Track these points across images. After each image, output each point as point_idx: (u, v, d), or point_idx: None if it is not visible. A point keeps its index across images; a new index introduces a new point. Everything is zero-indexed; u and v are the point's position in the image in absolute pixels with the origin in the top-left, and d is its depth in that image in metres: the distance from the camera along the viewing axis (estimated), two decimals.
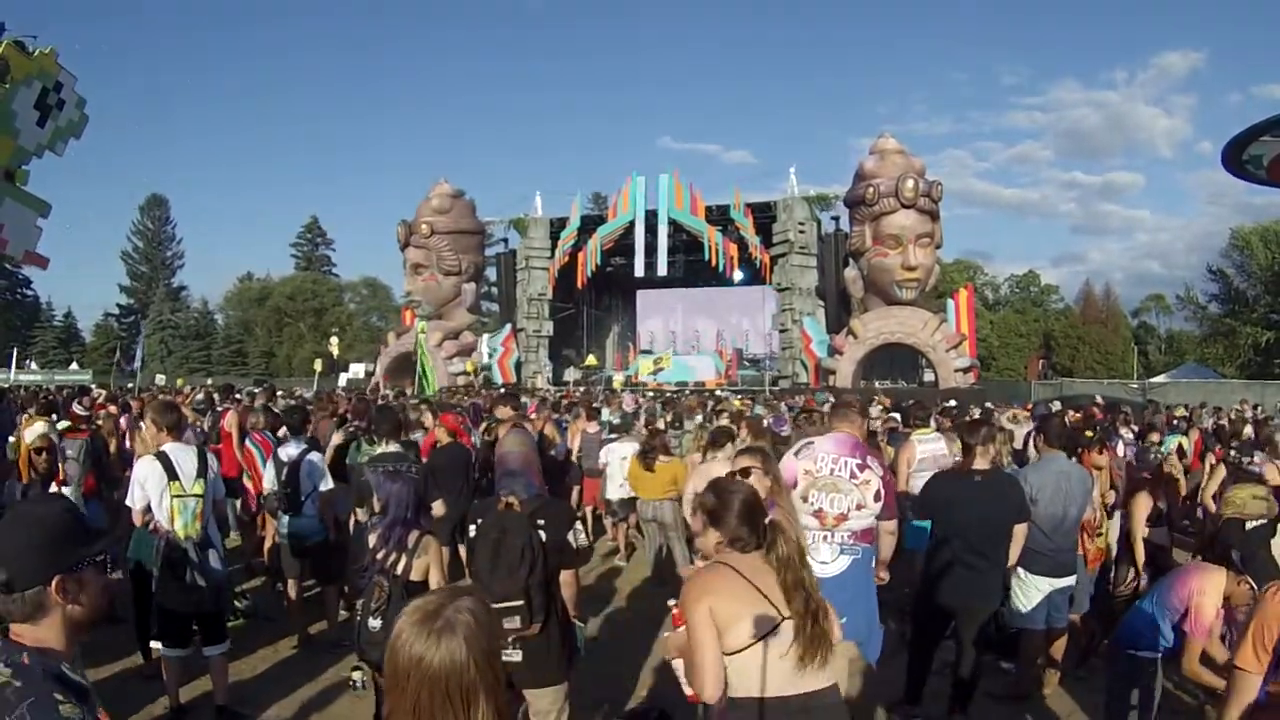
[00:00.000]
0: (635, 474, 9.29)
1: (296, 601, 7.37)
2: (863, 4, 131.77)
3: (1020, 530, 5.66)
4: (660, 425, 11.81)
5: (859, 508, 4.87)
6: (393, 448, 7.21)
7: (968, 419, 8.37)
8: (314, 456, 7.27)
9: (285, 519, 7.22)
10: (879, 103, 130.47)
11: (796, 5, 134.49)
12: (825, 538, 4.87)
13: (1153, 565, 6.61)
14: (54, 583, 1.94)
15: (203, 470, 5.65)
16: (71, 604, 1.97)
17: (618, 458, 10.18)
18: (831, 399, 17.99)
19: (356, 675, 5.88)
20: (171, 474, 5.50)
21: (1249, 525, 5.29)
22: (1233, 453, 6.31)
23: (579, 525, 4.39)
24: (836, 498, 4.85)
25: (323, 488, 7.24)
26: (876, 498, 4.91)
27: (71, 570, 1.97)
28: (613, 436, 11.20)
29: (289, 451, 7.33)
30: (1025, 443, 8.59)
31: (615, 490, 10.19)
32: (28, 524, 2.00)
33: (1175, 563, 6.54)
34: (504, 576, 3.91)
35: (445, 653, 1.76)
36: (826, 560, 4.88)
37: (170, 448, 5.67)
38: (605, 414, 13.88)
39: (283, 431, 8.44)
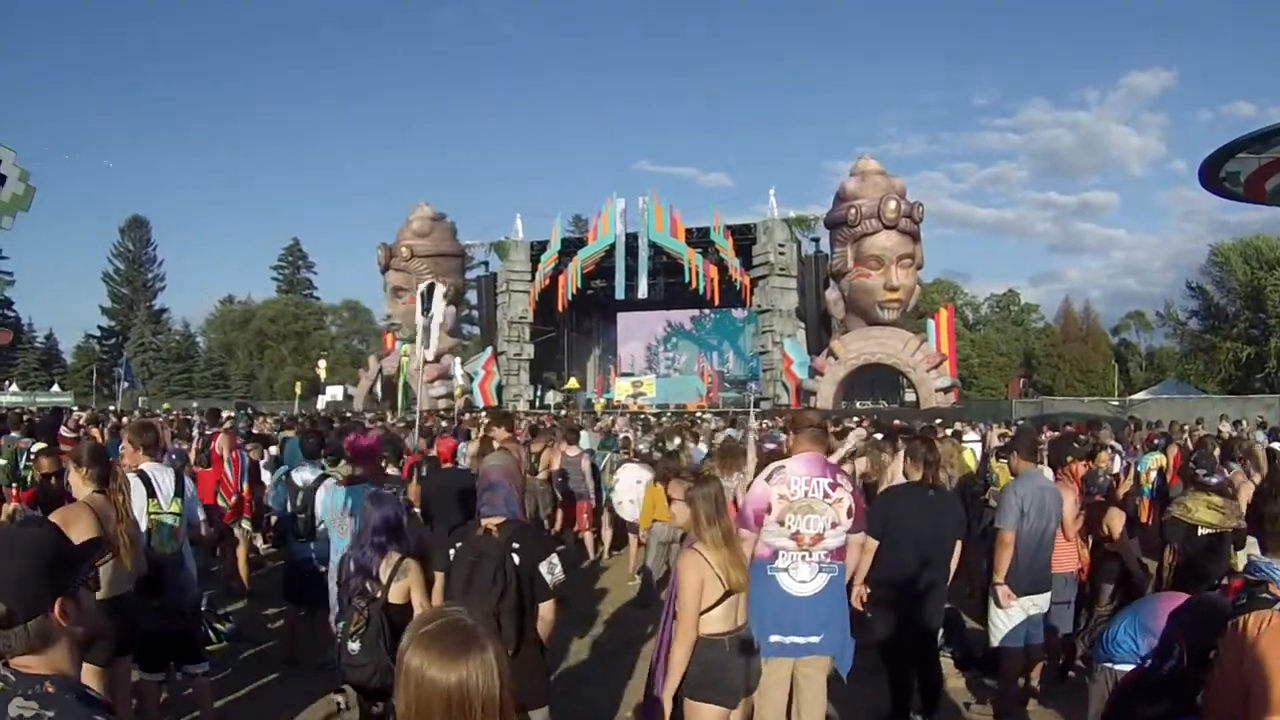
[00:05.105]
0: (655, 498, 8.97)
1: (289, 624, 7.29)
2: (832, 24, 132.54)
3: (957, 549, 5.99)
4: (642, 447, 11.85)
5: (834, 526, 4.96)
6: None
7: (910, 436, 8.37)
8: (331, 484, 6.93)
9: (298, 544, 7.05)
10: (851, 124, 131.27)
11: (766, 27, 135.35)
12: (804, 557, 4.93)
13: (1126, 582, 6.64)
14: (56, 607, 1.84)
15: (179, 491, 5.55)
16: (73, 626, 1.88)
17: (632, 480, 10.06)
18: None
19: (340, 697, 5.90)
20: (151, 492, 5.40)
21: (1201, 532, 5.34)
22: (1191, 464, 6.37)
23: (555, 559, 4.37)
24: (812, 518, 4.92)
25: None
26: (849, 514, 5.00)
27: (69, 592, 1.89)
28: (625, 457, 11.25)
29: (304, 476, 7.20)
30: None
31: (630, 511, 10.07)
32: (22, 551, 1.87)
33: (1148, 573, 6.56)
34: (475, 601, 3.88)
35: (481, 672, 1.69)
36: (806, 579, 4.94)
37: (149, 467, 5.56)
38: (585, 438, 13.87)
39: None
